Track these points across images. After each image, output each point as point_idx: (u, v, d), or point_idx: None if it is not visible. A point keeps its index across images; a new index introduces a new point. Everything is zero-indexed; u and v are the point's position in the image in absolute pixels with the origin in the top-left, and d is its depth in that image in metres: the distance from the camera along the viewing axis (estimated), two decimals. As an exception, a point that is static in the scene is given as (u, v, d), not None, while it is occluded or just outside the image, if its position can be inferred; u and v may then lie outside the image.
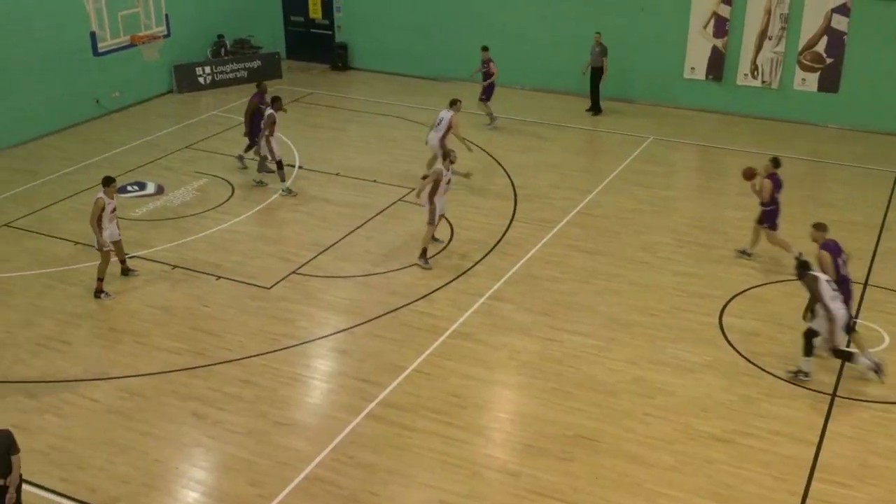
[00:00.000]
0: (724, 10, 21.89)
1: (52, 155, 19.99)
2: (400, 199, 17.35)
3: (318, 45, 27.12)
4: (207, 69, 24.91)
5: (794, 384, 11.74)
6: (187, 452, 10.66)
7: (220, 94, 24.14)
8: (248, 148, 18.67)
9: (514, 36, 24.16)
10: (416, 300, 13.82)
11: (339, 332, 13.09)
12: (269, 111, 17.35)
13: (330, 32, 27.02)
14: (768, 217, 14.66)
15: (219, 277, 14.59)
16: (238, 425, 11.04)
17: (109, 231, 13.86)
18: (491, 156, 19.68)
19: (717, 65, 22.29)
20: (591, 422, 11.05)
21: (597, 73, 21.96)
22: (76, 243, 15.60)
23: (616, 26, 22.65)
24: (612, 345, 12.66)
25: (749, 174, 14.74)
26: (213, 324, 13.29)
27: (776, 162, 14.63)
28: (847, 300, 11.90)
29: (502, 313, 13.47)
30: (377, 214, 16.78)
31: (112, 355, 12.53)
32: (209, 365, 12.26)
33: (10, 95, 20.21)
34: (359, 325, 13.22)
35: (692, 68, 22.58)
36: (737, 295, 13.89)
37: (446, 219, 15.90)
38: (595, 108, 22.41)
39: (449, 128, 17.54)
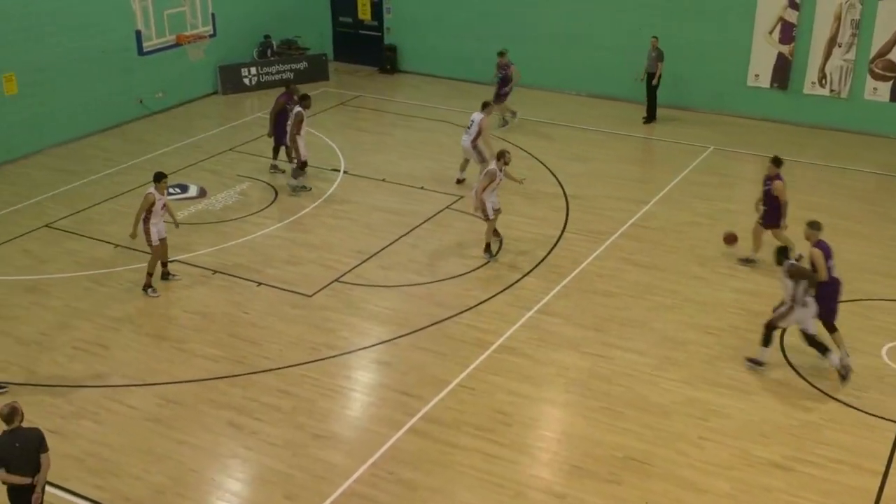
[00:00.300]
0: (792, 16, 21.62)
1: (95, 155, 20.36)
2: (447, 207, 17.38)
3: (366, 47, 27.31)
4: (253, 70, 25.21)
5: (858, 409, 11.51)
6: (223, 463, 10.76)
7: (266, 96, 24.34)
8: (276, 151, 18.84)
9: (567, 40, 24.10)
10: (462, 312, 13.82)
11: (381, 343, 13.13)
12: (297, 109, 17.58)
13: (379, 34, 27.19)
14: (771, 215, 14.75)
15: (259, 284, 14.73)
16: (275, 437, 11.11)
17: (157, 228, 14.19)
18: (542, 163, 19.63)
19: (783, 72, 22.01)
20: (641, 444, 10.94)
21: (652, 79, 21.82)
22: (116, 245, 15.86)
23: (675, 30, 22.50)
24: (666, 364, 12.54)
25: (731, 239, 15.10)
26: (252, 331, 13.41)
27: (778, 161, 14.63)
28: (835, 302, 12.21)
29: (551, 328, 13.41)
30: (423, 222, 16.82)
31: (150, 361, 12.70)
32: (247, 374, 12.37)
33: (52, 94, 20.62)
34: (402, 336, 13.25)
35: (756, 75, 22.33)
36: (799, 314, 13.68)
37: (495, 228, 15.89)
38: (650, 116, 22.26)
39: (480, 130, 17.73)
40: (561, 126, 22.10)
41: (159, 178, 14.10)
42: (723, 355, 12.71)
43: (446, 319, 13.63)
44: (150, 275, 14.39)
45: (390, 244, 16.03)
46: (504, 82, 21.28)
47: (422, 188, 18.36)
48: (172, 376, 12.33)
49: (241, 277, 14.92)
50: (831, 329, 12.24)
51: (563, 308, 13.92)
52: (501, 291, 14.41)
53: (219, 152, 20.38)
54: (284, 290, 14.53)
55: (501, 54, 21.33)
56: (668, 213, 17.22)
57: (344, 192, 18.16)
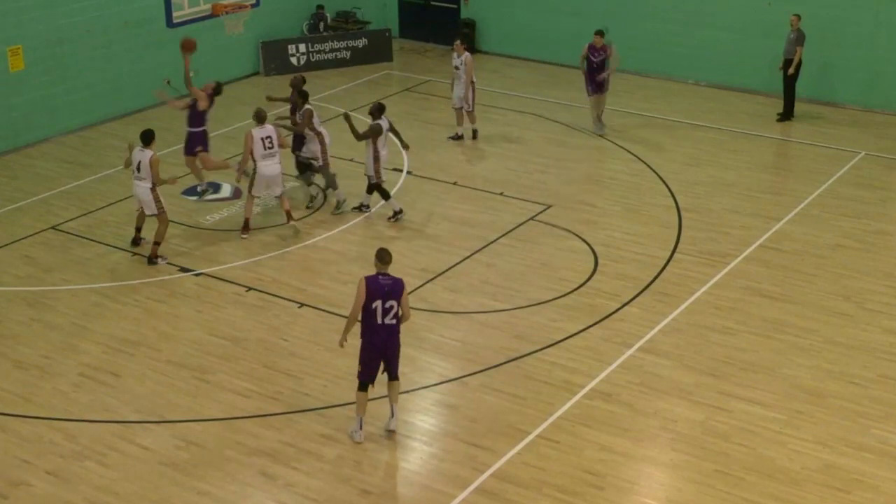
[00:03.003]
0: (972, -10, 21.28)
1: (112, 145, 20.83)
2: (531, 219, 17.38)
3: (438, 22, 27.49)
4: (302, 47, 25.58)
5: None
6: (252, 520, 10.90)
7: (317, 79, 24.66)
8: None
9: (684, 17, 24.03)
10: (546, 347, 13.81)
11: (446, 381, 13.17)
12: (305, 107, 17.55)
13: (455, 6, 27.35)
14: (199, 139, 17.74)
15: (301, 305, 14.90)
16: (315, 491, 11.20)
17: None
18: (651, 168, 19.54)
19: (958, 61, 21.68)
20: (765, 518, 10.82)
21: (790, 67, 21.58)
22: (134, 254, 16.19)
23: (820, 7, 22.26)
24: (799, 420, 12.36)
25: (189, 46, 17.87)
26: (291, 362, 13.56)
27: (217, 88, 17.92)
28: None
29: (656, 370, 13.32)
30: (502, 236, 16.85)
31: (168, 393, 12.92)
32: (284, 413, 12.50)
33: (65, 72, 21.18)
34: (472, 374, 13.28)
35: (925, 64, 22.05)
36: (970, 364, 13.41)
37: (589, 246, 15.93)
38: (786, 113, 22.01)
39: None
40: (675, 123, 21.98)
41: (151, 137, 15.93)
42: (871, 412, 12.49)
43: (527, 356, 13.63)
44: (157, 244, 15.91)
45: (460, 262, 16.09)
46: (600, 68, 20.86)
47: (501, 194, 18.39)
48: (194, 413, 12.52)
49: (279, 297, 15.11)
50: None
51: (670, 347, 13.83)
52: (595, 323, 14.36)
53: (258, 145, 20.64)
54: (331, 313, 14.67)
55: (600, 33, 20.78)
56: (807, 233, 17.00)
57: (406, 197, 18.26)
